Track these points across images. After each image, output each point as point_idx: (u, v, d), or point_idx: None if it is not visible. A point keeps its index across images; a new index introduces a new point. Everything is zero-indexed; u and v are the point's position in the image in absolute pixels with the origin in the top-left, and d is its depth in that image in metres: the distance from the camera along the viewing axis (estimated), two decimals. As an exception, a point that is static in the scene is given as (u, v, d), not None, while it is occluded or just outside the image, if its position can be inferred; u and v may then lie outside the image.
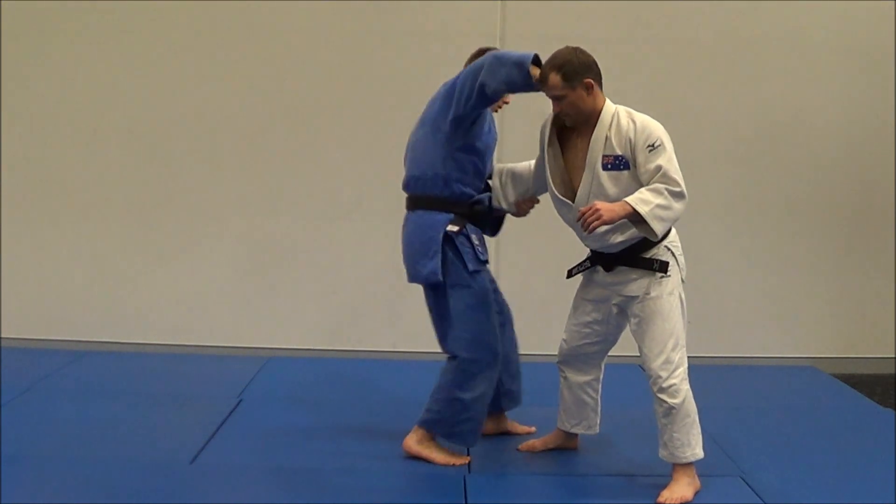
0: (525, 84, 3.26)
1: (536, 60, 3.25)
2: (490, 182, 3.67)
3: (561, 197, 3.33)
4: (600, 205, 3.09)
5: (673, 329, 3.24)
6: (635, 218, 3.10)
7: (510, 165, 3.67)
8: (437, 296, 3.56)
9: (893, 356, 5.25)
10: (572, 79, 3.17)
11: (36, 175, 5.23)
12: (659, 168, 3.12)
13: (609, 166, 3.20)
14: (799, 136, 5.24)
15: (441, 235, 3.46)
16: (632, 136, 3.17)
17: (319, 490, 3.30)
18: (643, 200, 3.09)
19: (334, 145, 5.19)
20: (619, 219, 3.11)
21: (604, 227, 3.16)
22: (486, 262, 3.59)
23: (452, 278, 3.47)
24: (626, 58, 5.06)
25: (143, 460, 3.54)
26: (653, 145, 3.13)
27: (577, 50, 3.23)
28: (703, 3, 5.14)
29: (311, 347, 5.24)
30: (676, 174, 3.13)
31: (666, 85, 5.09)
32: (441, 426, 3.56)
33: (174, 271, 5.26)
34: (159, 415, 4.08)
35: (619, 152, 3.19)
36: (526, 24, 5.07)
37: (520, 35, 5.10)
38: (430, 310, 3.63)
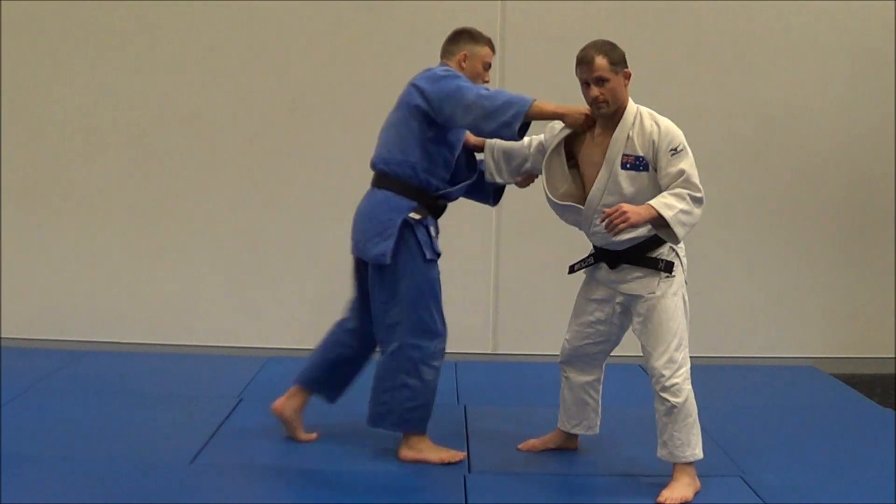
0: (510, 139, 3.34)
1: (527, 115, 3.27)
2: (483, 157, 3.69)
3: (561, 203, 3.34)
4: (627, 207, 3.09)
5: (677, 329, 3.25)
6: (659, 222, 3.12)
7: (501, 142, 3.65)
8: (382, 278, 3.51)
9: (893, 356, 5.25)
10: (617, 64, 3.21)
11: (36, 175, 5.23)
12: (682, 172, 3.14)
13: (628, 166, 3.22)
14: (799, 136, 5.24)
15: (401, 220, 3.44)
16: (656, 138, 3.18)
17: (319, 490, 3.30)
18: (667, 205, 3.10)
19: (334, 145, 5.19)
20: (645, 222, 3.11)
21: (629, 232, 3.17)
22: (439, 255, 3.56)
23: (407, 263, 3.46)
24: (626, 57, 5.06)
25: (143, 460, 3.54)
26: (676, 149, 3.16)
27: (611, 42, 3.26)
28: (703, 3, 5.15)
29: (311, 347, 5.22)
30: (697, 180, 3.16)
31: (666, 85, 5.07)
32: (390, 417, 3.55)
33: (174, 271, 5.26)
34: (159, 415, 4.07)
35: (640, 153, 3.21)
36: (526, 24, 5.08)
37: (520, 35, 5.10)
38: (370, 292, 3.58)
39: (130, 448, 3.67)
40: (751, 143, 5.22)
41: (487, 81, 3.64)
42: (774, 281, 5.29)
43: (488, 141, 3.66)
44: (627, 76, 3.25)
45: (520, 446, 3.74)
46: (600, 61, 3.19)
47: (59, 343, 5.16)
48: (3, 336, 5.09)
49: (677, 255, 3.31)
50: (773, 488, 3.35)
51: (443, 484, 3.38)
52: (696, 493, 3.27)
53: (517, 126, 3.27)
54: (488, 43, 3.63)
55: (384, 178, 3.52)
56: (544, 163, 3.40)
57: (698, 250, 4.90)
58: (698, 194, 3.14)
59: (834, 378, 4.98)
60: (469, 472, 3.50)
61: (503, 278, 5.24)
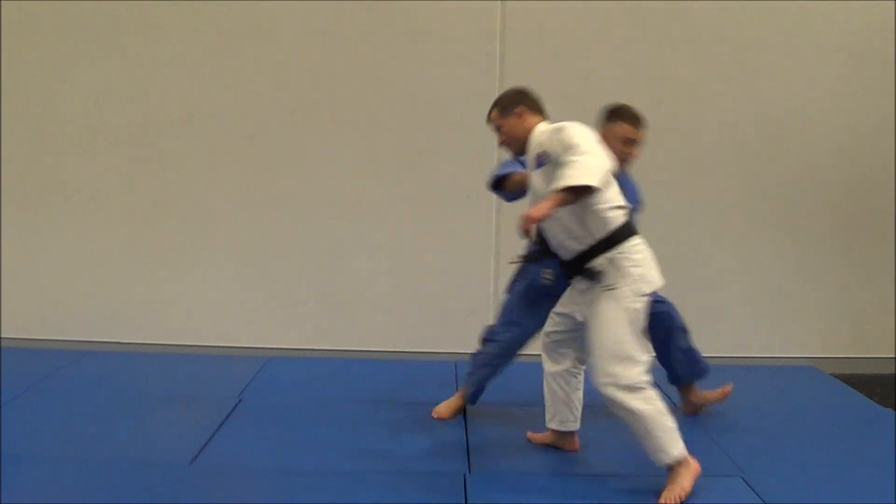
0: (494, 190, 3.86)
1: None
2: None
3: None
4: (529, 210, 3.14)
5: (613, 339, 3.23)
6: (567, 198, 3.11)
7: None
8: None
9: (893, 356, 5.25)
10: (506, 108, 3.49)
11: (36, 175, 5.23)
12: (565, 139, 3.17)
13: (536, 165, 3.38)
14: (798, 136, 5.23)
15: None
16: (547, 133, 3.33)
17: (319, 490, 3.30)
18: (556, 180, 3.12)
19: (334, 145, 5.19)
20: (550, 209, 3.10)
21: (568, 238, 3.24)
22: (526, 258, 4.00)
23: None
24: (626, 57, 5.07)
25: (143, 460, 3.54)
26: (558, 128, 3.26)
27: (512, 89, 3.55)
28: (702, 3, 5.14)
29: (311, 347, 5.25)
30: (580, 139, 3.15)
31: (665, 85, 5.08)
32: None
33: (174, 271, 5.26)
34: (159, 415, 4.08)
35: (541, 150, 3.34)
36: (526, 24, 5.08)
37: (520, 35, 5.10)
38: None
39: (130, 448, 3.67)
40: (750, 142, 5.22)
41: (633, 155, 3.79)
42: (774, 281, 5.29)
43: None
44: (519, 114, 3.45)
45: (528, 434, 3.81)
46: (493, 115, 3.53)
47: (59, 343, 5.16)
48: (3, 336, 5.10)
49: (623, 265, 3.26)
50: (773, 488, 3.35)
51: (443, 484, 3.38)
52: (696, 477, 3.25)
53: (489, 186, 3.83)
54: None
55: None
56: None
57: (698, 250, 4.91)
58: (581, 149, 3.12)
59: (834, 378, 4.98)
60: (469, 472, 3.51)
61: (503, 278, 5.23)
